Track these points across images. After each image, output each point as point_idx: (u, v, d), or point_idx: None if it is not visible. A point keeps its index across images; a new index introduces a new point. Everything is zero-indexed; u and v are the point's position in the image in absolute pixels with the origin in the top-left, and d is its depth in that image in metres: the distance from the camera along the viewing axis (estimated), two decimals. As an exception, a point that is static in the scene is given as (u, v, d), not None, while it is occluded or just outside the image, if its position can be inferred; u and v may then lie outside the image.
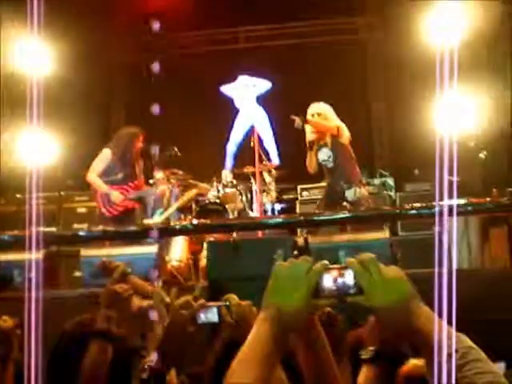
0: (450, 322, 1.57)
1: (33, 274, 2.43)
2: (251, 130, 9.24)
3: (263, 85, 11.09)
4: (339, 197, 7.47)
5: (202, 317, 2.33)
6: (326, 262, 1.67)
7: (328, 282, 1.63)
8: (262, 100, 11.08)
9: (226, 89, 11.25)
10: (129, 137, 7.86)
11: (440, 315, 1.58)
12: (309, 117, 7.44)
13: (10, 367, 2.77)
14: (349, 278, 1.62)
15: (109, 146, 7.82)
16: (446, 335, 1.52)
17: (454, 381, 1.46)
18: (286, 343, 1.67)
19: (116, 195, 7.70)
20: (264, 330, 1.62)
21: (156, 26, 10.89)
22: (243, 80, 11.17)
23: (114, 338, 2.41)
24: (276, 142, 10.48)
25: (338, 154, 7.48)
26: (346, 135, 7.48)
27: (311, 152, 7.48)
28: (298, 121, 7.28)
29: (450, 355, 1.50)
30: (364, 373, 2.55)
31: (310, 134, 7.45)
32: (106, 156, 7.75)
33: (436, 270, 1.71)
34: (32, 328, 2.08)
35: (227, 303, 2.33)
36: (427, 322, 1.57)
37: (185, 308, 2.36)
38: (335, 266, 1.65)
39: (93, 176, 7.74)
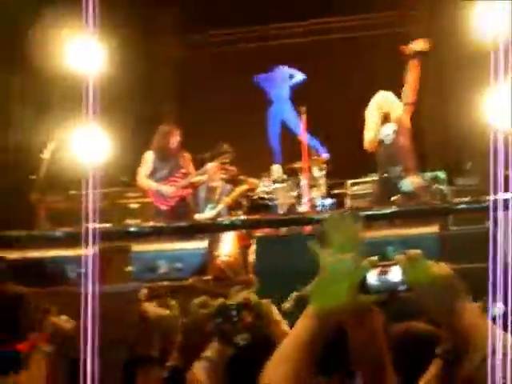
0: (505, 319, 1.54)
1: (88, 269, 2.44)
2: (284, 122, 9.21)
3: (298, 76, 11.02)
4: (393, 187, 7.40)
5: (221, 316, 2.29)
6: (375, 258, 1.66)
7: (376, 278, 1.62)
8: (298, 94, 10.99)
9: (262, 79, 11.24)
10: (162, 135, 8.27)
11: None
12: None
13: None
14: (397, 274, 1.61)
15: (149, 148, 8.27)
16: (490, 335, 1.50)
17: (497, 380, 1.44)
18: (327, 339, 1.66)
19: (166, 188, 8.09)
20: (307, 325, 1.62)
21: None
22: (280, 70, 11.13)
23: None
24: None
25: (401, 133, 7.46)
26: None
27: (378, 125, 7.47)
28: None
29: (493, 353, 1.47)
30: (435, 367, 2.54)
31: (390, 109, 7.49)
32: (148, 158, 8.24)
33: (490, 265, 1.68)
34: (89, 325, 2.09)
35: (247, 302, 2.30)
36: (472, 321, 1.55)
37: (203, 307, 2.34)
38: (383, 262, 1.65)
39: (141, 180, 8.25)
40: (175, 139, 8.21)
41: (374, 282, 1.62)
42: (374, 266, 1.64)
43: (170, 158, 8.22)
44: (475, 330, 1.53)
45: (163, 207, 8.05)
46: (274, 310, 2.29)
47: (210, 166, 8.39)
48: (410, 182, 7.33)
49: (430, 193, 8.60)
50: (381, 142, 7.51)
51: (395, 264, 1.63)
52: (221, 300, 2.37)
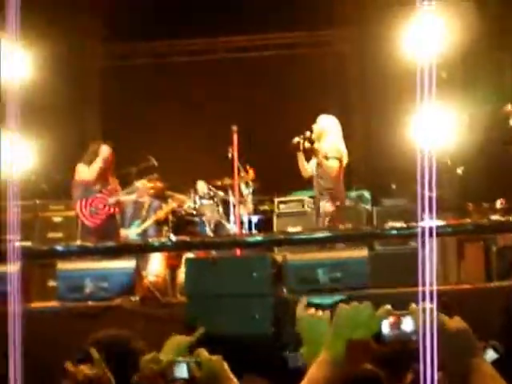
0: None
1: (11, 287, 2.35)
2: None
3: None
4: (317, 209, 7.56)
5: (171, 372, 2.25)
6: (389, 307, 1.69)
7: (390, 327, 1.66)
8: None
9: None
10: (96, 152, 7.98)
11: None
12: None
13: None
14: (410, 324, 1.65)
15: (83, 161, 7.98)
16: None
17: None
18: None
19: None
20: (323, 371, 1.64)
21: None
22: None
23: None
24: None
25: (320, 164, 7.58)
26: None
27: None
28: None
29: None
30: None
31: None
32: (82, 170, 7.92)
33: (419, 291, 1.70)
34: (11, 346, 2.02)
35: (197, 359, 2.26)
36: (486, 379, 1.57)
37: (154, 363, 2.30)
38: (397, 312, 1.68)
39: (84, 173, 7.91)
40: (110, 158, 8.04)
41: (388, 330, 1.66)
42: (388, 314, 1.67)
43: (103, 177, 8.02)
44: None
45: (90, 224, 7.86)
46: (225, 366, 2.25)
47: (140, 184, 8.30)
48: (322, 206, 7.46)
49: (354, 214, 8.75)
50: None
51: (409, 314, 1.66)
52: (171, 356, 2.32)
